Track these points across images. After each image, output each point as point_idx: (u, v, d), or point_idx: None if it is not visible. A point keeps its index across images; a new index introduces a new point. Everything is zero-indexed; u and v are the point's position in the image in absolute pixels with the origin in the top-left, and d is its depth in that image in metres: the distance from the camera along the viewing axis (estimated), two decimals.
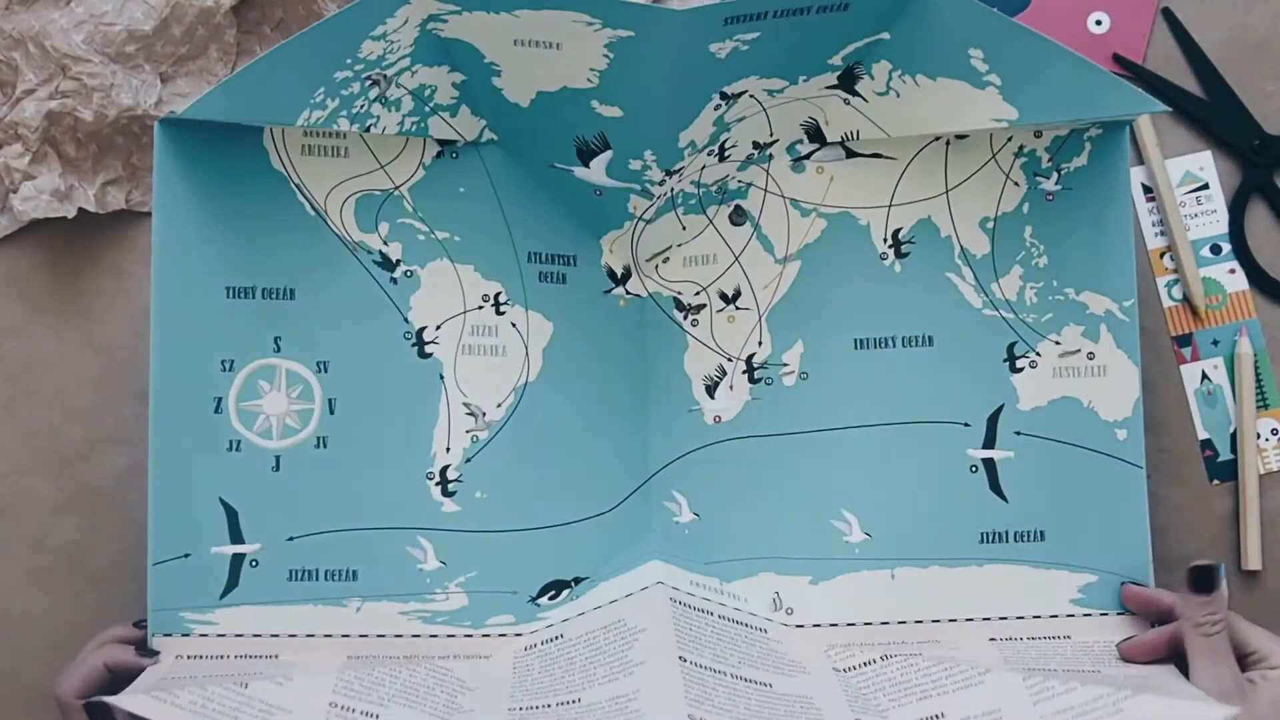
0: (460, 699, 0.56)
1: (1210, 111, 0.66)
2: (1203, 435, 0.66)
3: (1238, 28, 0.66)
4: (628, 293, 0.64)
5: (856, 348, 0.63)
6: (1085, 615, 0.60)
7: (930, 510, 0.62)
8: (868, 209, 0.63)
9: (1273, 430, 0.65)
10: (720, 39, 0.56)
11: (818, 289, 0.63)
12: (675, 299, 0.64)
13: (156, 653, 0.58)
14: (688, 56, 0.56)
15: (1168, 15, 0.67)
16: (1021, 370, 0.62)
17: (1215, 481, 0.66)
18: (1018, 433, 0.62)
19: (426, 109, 0.61)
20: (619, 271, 0.64)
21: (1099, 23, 0.67)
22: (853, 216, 0.63)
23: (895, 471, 0.62)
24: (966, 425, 0.62)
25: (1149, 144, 0.66)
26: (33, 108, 0.63)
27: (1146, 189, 0.66)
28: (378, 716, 0.54)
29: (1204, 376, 0.66)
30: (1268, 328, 0.66)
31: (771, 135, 0.63)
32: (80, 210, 0.64)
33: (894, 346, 0.63)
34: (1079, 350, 0.62)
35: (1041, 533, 0.61)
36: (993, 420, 0.62)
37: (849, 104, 0.62)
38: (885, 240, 0.63)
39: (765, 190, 0.64)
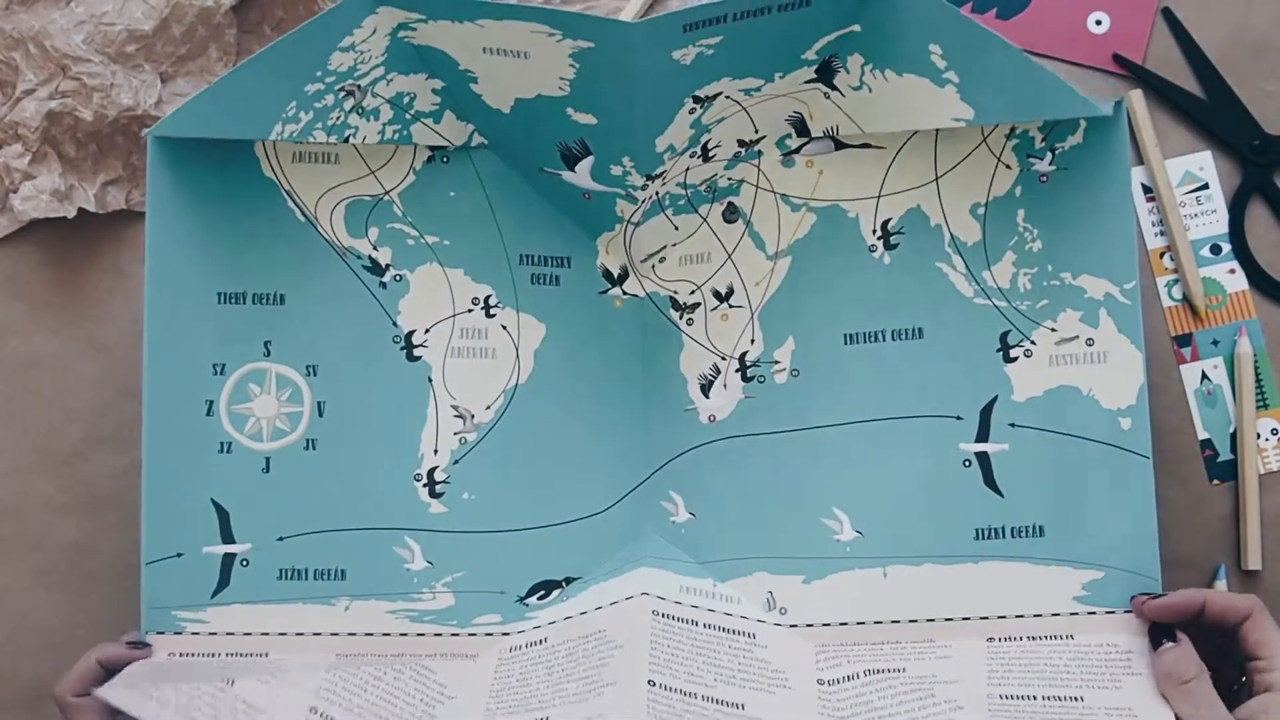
0: (437, 709, 0.57)
1: (1210, 111, 0.66)
2: (1203, 435, 0.66)
3: (1238, 28, 0.66)
4: (624, 293, 0.64)
5: (846, 343, 0.62)
6: (1090, 614, 0.58)
7: (922, 507, 0.60)
8: (857, 201, 0.62)
9: (1273, 430, 0.65)
10: (682, 45, 0.56)
11: (808, 284, 0.63)
12: (671, 298, 0.64)
13: (148, 645, 0.59)
14: (652, 65, 0.56)
15: (1168, 15, 0.66)
16: (1016, 360, 0.60)
17: (1215, 481, 0.65)
18: (1012, 424, 0.60)
19: (407, 116, 0.61)
20: (615, 272, 0.64)
21: (1099, 23, 0.67)
22: (841, 209, 0.63)
23: (886, 468, 0.61)
24: (959, 418, 0.61)
25: (1149, 144, 0.66)
26: (33, 108, 0.64)
27: (1146, 189, 0.66)
28: None
29: (1204, 376, 0.66)
30: (1268, 328, 0.66)
31: (757, 132, 0.62)
32: (80, 210, 0.65)
33: (884, 340, 0.62)
34: (1076, 336, 0.60)
35: (1040, 528, 0.59)
36: (986, 412, 0.60)
37: (829, 98, 0.61)
38: (874, 232, 0.62)
39: (757, 186, 0.63)
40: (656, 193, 0.63)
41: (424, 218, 0.63)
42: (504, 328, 0.63)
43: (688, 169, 0.62)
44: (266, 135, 0.58)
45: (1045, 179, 0.60)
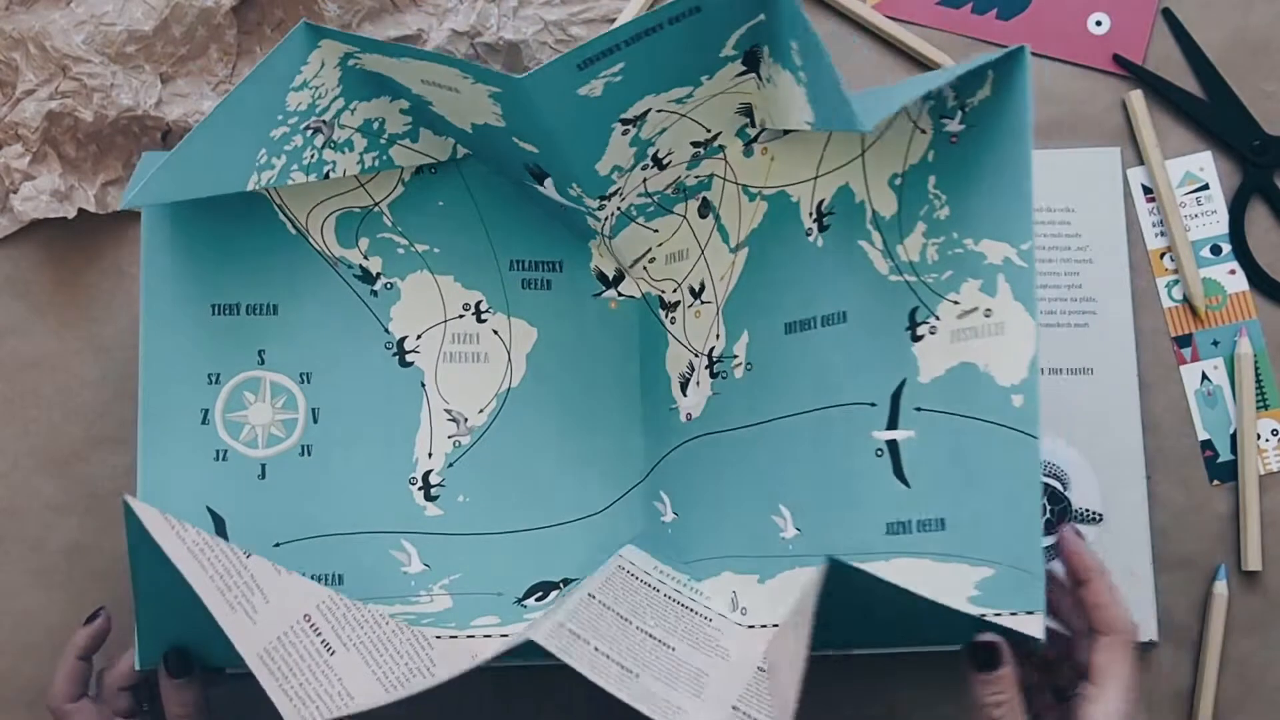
0: (413, 681, 0.56)
1: (1210, 111, 0.66)
2: (1203, 436, 0.66)
3: (1238, 28, 0.66)
4: (620, 294, 0.64)
5: (786, 332, 0.60)
6: (980, 616, 0.50)
7: (843, 501, 0.57)
8: (798, 185, 0.60)
9: (1273, 431, 0.65)
10: (584, 82, 0.53)
11: (760, 275, 0.61)
12: (660, 297, 0.64)
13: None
14: (560, 107, 0.54)
15: (1168, 15, 0.66)
16: (922, 338, 0.55)
17: (1215, 482, 0.65)
18: (918, 408, 0.55)
19: (382, 141, 0.61)
20: (610, 274, 0.64)
21: (1099, 23, 0.66)
22: (787, 195, 0.61)
23: (815, 461, 0.58)
24: (873, 405, 0.56)
25: (1149, 144, 0.66)
26: (33, 108, 0.64)
27: (1146, 189, 0.66)
28: (333, 653, 0.55)
29: (1204, 377, 0.66)
30: (1268, 328, 0.66)
31: (709, 131, 0.61)
32: (80, 210, 0.65)
33: (815, 327, 0.58)
34: (976, 308, 0.54)
35: (941, 520, 0.54)
36: (896, 397, 0.55)
37: (760, 89, 0.58)
38: (810, 215, 0.59)
39: (724, 179, 0.62)
40: (618, 208, 0.62)
41: (413, 227, 0.63)
42: (495, 332, 0.63)
43: (645, 179, 0.61)
44: (244, 186, 0.57)
45: (955, 139, 0.55)
